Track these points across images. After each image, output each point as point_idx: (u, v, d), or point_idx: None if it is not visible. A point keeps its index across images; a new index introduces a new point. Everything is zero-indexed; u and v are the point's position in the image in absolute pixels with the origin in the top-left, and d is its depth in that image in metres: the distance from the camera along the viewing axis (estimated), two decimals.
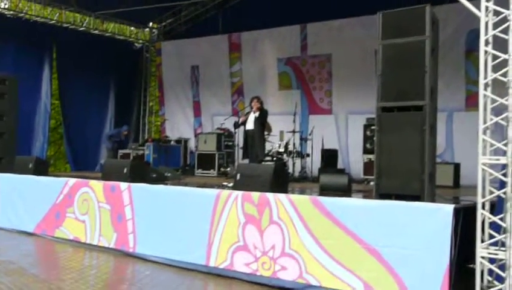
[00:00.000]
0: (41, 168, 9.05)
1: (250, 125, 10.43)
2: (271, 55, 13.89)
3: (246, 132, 10.55)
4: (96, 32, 15.08)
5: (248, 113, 10.66)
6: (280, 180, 6.21)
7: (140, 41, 16.57)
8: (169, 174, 9.17)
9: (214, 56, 14.78)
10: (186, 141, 14.65)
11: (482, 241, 4.44)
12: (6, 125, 10.00)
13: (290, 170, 10.85)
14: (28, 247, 7.89)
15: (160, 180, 8.27)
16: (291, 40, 13.44)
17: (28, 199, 8.42)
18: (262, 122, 10.39)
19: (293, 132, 11.32)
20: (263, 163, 9.33)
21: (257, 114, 10.30)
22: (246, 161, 10.71)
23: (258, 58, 14.13)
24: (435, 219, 4.50)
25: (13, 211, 8.60)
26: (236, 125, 11.13)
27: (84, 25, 14.80)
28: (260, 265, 5.52)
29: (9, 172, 9.15)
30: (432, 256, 4.44)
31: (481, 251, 4.40)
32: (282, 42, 13.66)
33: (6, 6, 13.95)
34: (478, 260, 4.40)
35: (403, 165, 5.12)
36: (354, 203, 5.26)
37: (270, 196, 5.55)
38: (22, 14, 13.56)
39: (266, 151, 10.80)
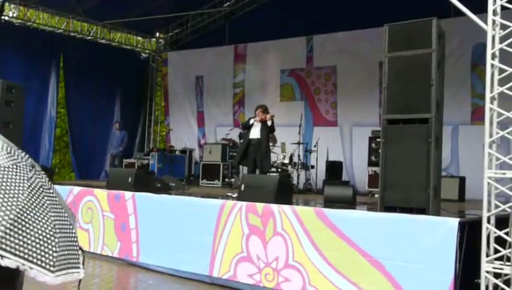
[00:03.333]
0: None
1: (255, 134, 9.73)
2: (275, 66, 13.92)
3: (249, 140, 10.14)
4: (103, 41, 15.17)
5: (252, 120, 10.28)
6: (284, 192, 6.21)
7: (147, 51, 16.64)
8: (173, 184, 9.18)
9: (218, 67, 14.82)
10: (191, 151, 14.66)
11: (487, 255, 4.41)
12: (12, 133, 10.02)
13: (295, 182, 10.83)
14: None
15: (165, 190, 8.27)
16: (297, 51, 13.47)
17: None
18: (272, 132, 9.88)
19: (298, 143, 11.31)
20: (268, 174, 9.30)
21: (269, 123, 9.61)
22: (239, 167, 10.35)
23: (262, 69, 14.17)
24: (440, 232, 4.48)
25: None
26: (242, 135, 10.99)
27: (91, 34, 14.89)
28: (263, 276, 5.50)
29: None
30: (437, 270, 4.41)
31: (486, 265, 4.37)
32: (288, 53, 13.69)
33: (15, 15, 14.08)
34: (483, 274, 4.37)
35: (408, 178, 5.11)
36: (359, 215, 5.24)
37: (275, 207, 5.54)
38: (30, 23, 13.66)
39: (271, 163, 10.59)
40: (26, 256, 0.99)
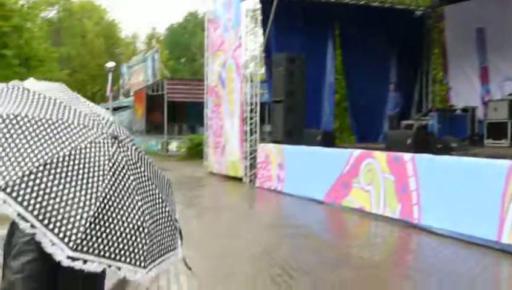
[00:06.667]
0: (328, 140, 9.63)
1: None
2: None
3: None
4: (375, 4, 15.16)
5: None
6: None
7: (421, 8, 16.03)
8: (455, 145, 8.79)
9: (503, 16, 13.39)
10: (473, 109, 13.73)
11: None
12: (296, 101, 10.89)
13: None
14: (318, 214, 8.50)
15: (445, 151, 7.96)
16: None
17: (317, 170, 9.03)
18: None
19: None
20: None
21: None
22: None
23: None
24: None
25: (303, 181, 9.35)
26: None
27: None
28: None
29: (299, 144, 9.96)
30: None
31: None
32: None
33: None
34: None
35: None
36: None
37: None
38: None
39: None
40: (112, 255, 0.85)
